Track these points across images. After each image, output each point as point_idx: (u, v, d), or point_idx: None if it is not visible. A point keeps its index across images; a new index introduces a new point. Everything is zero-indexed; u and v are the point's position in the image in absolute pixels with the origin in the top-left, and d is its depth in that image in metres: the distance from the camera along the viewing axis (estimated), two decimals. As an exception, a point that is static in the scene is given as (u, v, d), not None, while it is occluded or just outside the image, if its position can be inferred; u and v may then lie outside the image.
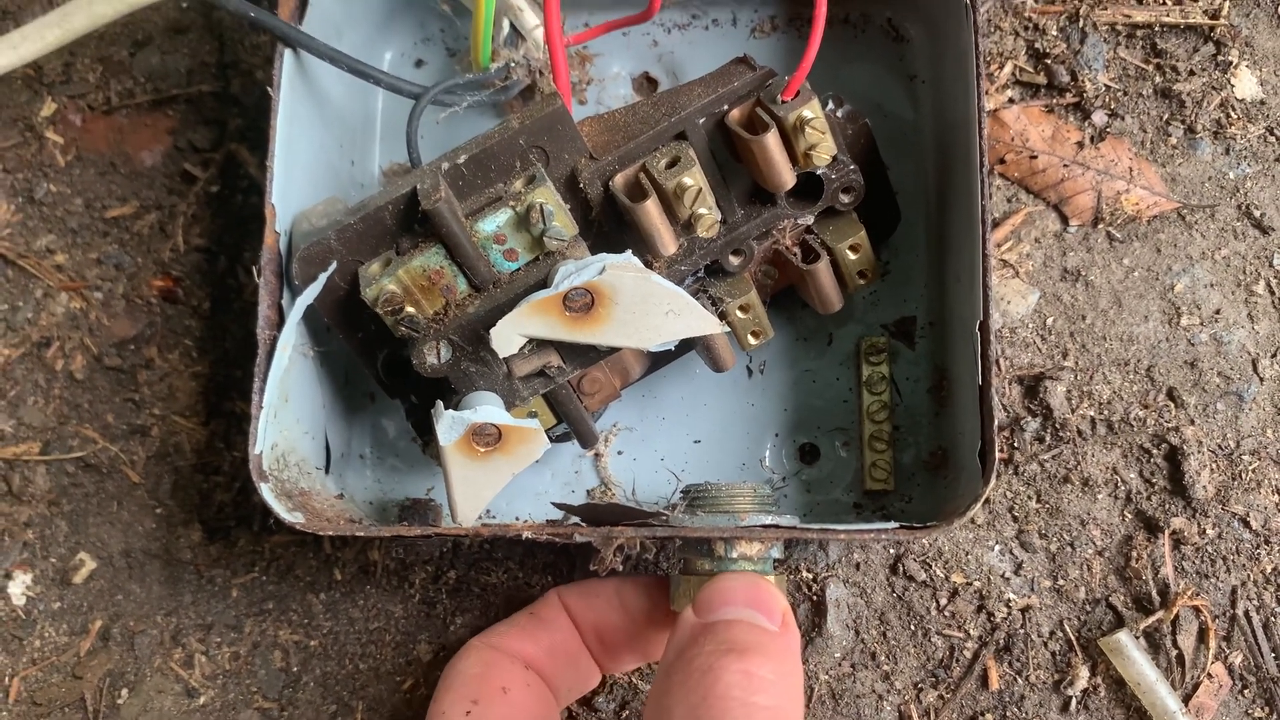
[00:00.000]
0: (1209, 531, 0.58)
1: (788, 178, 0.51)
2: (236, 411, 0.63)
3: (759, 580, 0.48)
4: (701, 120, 0.51)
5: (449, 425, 0.50)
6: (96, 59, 0.68)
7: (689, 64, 0.63)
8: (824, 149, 0.50)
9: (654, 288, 0.49)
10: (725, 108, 0.51)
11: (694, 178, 0.50)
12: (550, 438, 0.55)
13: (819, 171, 0.53)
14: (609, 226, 0.53)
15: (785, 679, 0.43)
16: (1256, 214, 0.61)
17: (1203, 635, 0.58)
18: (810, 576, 0.59)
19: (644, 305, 0.49)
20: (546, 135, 0.50)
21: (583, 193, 0.51)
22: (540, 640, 0.53)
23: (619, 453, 0.61)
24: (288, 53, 0.54)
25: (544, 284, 0.49)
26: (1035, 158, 0.62)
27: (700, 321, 0.50)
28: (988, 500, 0.59)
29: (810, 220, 0.54)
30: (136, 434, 0.63)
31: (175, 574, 0.62)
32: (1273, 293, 0.61)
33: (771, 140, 0.49)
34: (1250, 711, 0.57)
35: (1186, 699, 0.57)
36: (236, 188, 0.66)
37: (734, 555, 0.50)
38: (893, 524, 0.48)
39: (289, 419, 0.53)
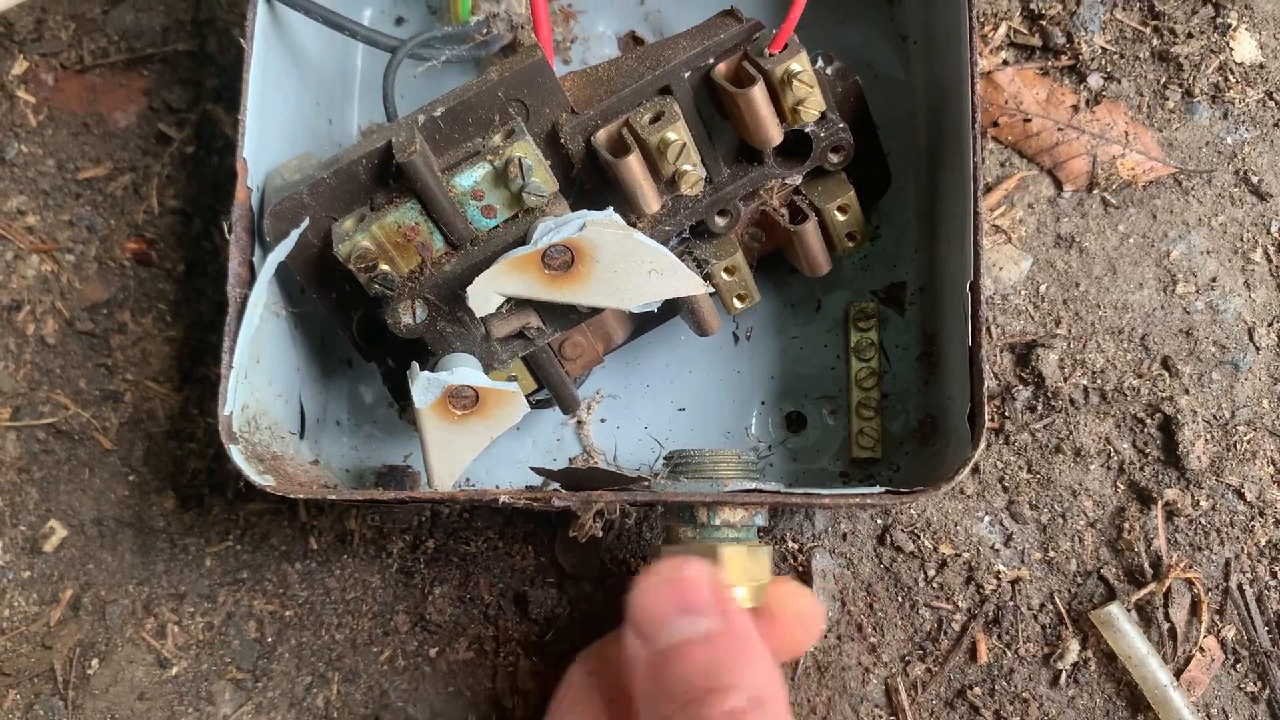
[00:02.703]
0: (1203, 503, 0.57)
1: (775, 134, 0.50)
2: (211, 377, 0.62)
3: (677, 568, 0.45)
4: (687, 74, 0.50)
5: (424, 387, 0.48)
6: (69, 16, 0.66)
7: (676, 23, 0.61)
8: (812, 104, 0.49)
9: (636, 245, 0.47)
10: (711, 61, 0.50)
11: (678, 133, 0.48)
12: (530, 403, 0.53)
13: (807, 129, 0.51)
14: (590, 184, 0.51)
15: (756, 685, 0.41)
16: (1254, 180, 0.60)
17: (1195, 608, 0.57)
18: (796, 547, 0.58)
19: (626, 264, 0.48)
20: (526, 88, 0.48)
21: (564, 148, 0.50)
22: None
23: (601, 420, 0.59)
24: (261, 3, 0.52)
25: (523, 242, 0.48)
26: (1029, 121, 0.61)
27: (684, 281, 0.49)
28: (977, 469, 0.58)
29: (798, 180, 0.53)
30: (109, 400, 0.62)
31: (148, 542, 0.60)
32: (1270, 260, 0.59)
33: (758, 94, 0.48)
34: (1243, 686, 0.56)
35: (1178, 673, 0.56)
36: (212, 149, 0.64)
37: (717, 522, 0.49)
38: (878, 488, 0.47)
39: (261, 380, 0.51)
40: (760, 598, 0.49)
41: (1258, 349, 0.58)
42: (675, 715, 0.41)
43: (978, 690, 0.56)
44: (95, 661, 0.59)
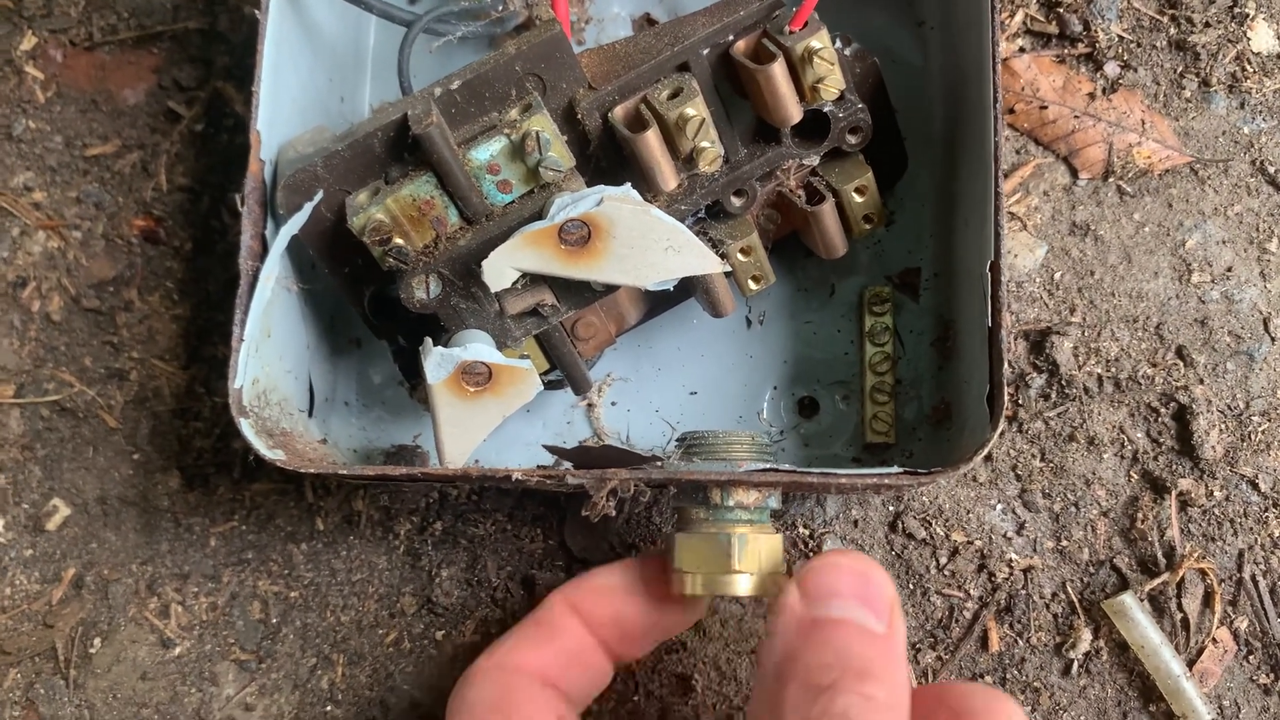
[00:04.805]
0: (1216, 493, 0.57)
1: (794, 112, 0.49)
2: (218, 356, 0.61)
3: (869, 568, 0.44)
4: (705, 51, 0.49)
5: (437, 362, 0.48)
6: (79, -8, 0.66)
7: (692, 4, 0.61)
8: (832, 82, 0.49)
9: (653, 222, 0.47)
10: (730, 38, 0.49)
11: (697, 108, 0.48)
12: (542, 383, 0.53)
13: (826, 109, 0.51)
14: (607, 162, 0.51)
15: (898, 694, 0.41)
16: (1271, 170, 0.60)
17: (1208, 599, 0.56)
18: (807, 533, 0.58)
19: (643, 240, 0.47)
20: (544, 62, 0.48)
21: (580, 124, 0.49)
22: (551, 648, 0.48)
23: (613, 403, 0.59)
24: (276, -25, 0.52)
25: (539, 217, 0.48)
26: (1045, 108, 0.60)
27: (701, 259, 0.49)
28: (990, 457, 0.58)
29: (815, 161, 0.53)
30: (114, 378, 0.61)
31: (152, 522, 0.60)
32: (1286, 251, 0.59)
33: (778, 70, 0.48)
34: (1255, 678, 0.56)
35: (1191, 663, 0.55)
36: (222, 127, 0.64)
37: (730, 503, 0.48)
38: (894, 469, 0.47)
39: (271, 355, 0.51)
40: (771, 588, 0.48)
41: (1273, 339, 0.58)
42: (807, 674, 0.41)
43: (989, 679, 0.56)
44: (97, 641, 0.58)
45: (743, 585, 0.47)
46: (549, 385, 0.55)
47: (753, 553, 0.47)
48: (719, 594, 0.47)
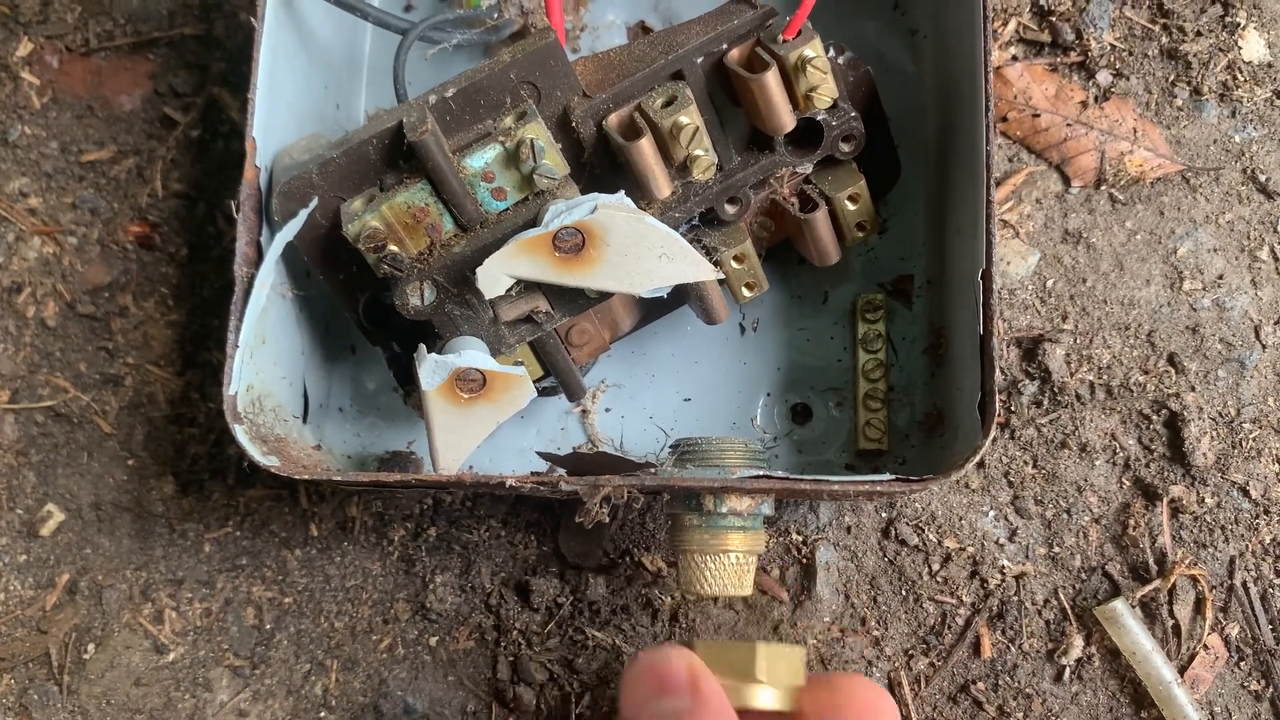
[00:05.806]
0: (1208, 500, 0.57)
1: (787, 120, 0.49)
2: (213, 362, 0.61)
3: (656, 656, 0.44)
4: (699, 60, 0.50)
5: (431, 369, 0.48)
6: (75, -1, 0.66)
7: (686, 12, 0.61)
8: (825, 90, 0.49)
9: (647, 229, 0.47)
10: (724, 47, 0.50)
11: (691, 116, 0.48)
12: (536, 390, 0.53)
13: (819, 117, 0.51)
14: (601, 169, 0.51)
15: None
16: (1262, 178, 0.60)
17: (1199, 606, 0.56)
18: (800, 539, 0.58)
19: (636, 247, 0.47)
20: (539, 70, 0.48)
21: (575, 132, 0.50)
22: None
23: (606, 410, 0.59)
24: (272, -17, 0.52)
25: (533, 224, 0.48)
26: (1038, 116, 0.61)
27: (694, 267, 0.49)
28: (982, 464, 0.58)
29: (809, 169, 0.53)
30: (109, 383, 0.61)
31: (146, 527, 0.60)
32: (1277, 259, 0.59)
33: (771, 79, 0.48)
34: (1246, 684, 0.56)
35: (1182, 670, 0.56)
36: (218, 133, 0.64)
37: (724, 510, 0.49)
38: (887, 476, 0.47)
39: (266, 361, 0.51)
40: (791, 702, 0.47)
41: (1264, 347, 0.58)
42: None
43: (981, 685, 0.56)
44: (91, 646, 0.58)
45: (764, 698, 0.46)
46: (543, 392, 0.55)
47: (770, 666, 0.46)
48: (739, 706, 0.46)
